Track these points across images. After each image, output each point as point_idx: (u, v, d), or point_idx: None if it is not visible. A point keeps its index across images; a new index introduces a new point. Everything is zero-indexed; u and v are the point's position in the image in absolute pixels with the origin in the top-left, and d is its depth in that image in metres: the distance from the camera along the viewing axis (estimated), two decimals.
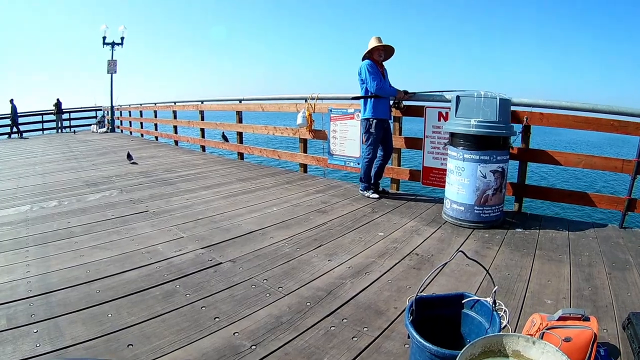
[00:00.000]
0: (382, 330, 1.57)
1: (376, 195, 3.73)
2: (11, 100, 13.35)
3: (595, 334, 1.26)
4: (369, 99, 3.56)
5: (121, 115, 14.17)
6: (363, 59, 3.59)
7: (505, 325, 1.22)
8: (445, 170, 3.20)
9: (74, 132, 14.72)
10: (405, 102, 3.93)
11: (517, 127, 3.12)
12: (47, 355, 1.37)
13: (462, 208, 2.89)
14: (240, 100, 6.29)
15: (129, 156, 6.19)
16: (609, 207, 3.17)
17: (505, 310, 1.30)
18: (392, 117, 3.89)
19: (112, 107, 14.09)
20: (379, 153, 3.72)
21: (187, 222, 2.93)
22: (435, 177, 3.74)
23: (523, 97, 3.32)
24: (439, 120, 3.63)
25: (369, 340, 1.50)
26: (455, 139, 2.93)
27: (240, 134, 6.57)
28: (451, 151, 2.97)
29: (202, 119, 7.77)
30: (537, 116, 3.27)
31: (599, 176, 11.85)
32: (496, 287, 1.20)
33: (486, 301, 1.21)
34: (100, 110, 15.98)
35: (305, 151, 5.20)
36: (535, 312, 1.43)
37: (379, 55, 3.57)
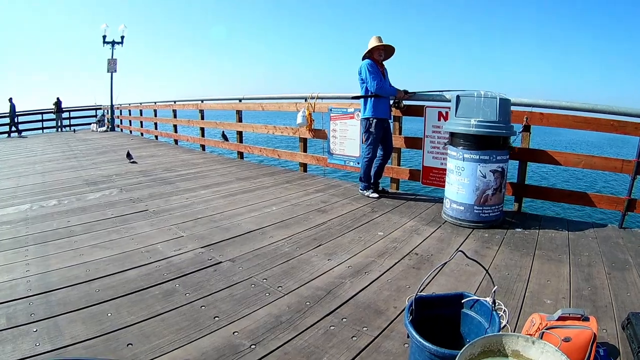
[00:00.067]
0: (381, 329, 1.57)
1: (376, 195, 3.73)
2: (10, 99, 13.34)
3: (594, 334, 1.26)
4: (369, 99, 3.56)
5: (121, 114, 14.16)
6: (363, 59, 3.59)
7: (505, 325, 1.22)
8: (445, 170, 3.20)
9: (74, 131, 14.72)
10: (405, 102, 3.93)
11: (517, 127, 3.12)
12: (46, 354, 1.37)
13: (462, 208, 2.89)
14: (240, 100, 6.29)
15: (129, 155, 6.19)
16: (608, 207, 3.17)
17: (504, 310, 1.30)
18: (392, 117, 3.89)
19: (112, 106, 14.09)
20: (379, 152, 3.72)
21: (187, 222, 2.93)
22: (435, 176, 3.74)
23: (523, 97, 3.32)
24: (439, 120, 3.63)
25: (368, 340, 1.50)
26: (455, 138, 2.93)
27: (240, 133, 6.56)
28: (451, 151, 2.97)
29: (202, 118, 7.77)
30: (537, 116, 3.27)
31: (600, 176, 11.85)
32: (496, 286, 1.20)
33: (486, 301, 1.21)
34: (100, 109, 15.98)
35: (305, 150, 5.20)
36: (535, 312, 1.43)
37: (379, 55, 3.57)
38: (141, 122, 12.10)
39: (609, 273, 2.13)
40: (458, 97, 2.93)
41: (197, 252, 2.34)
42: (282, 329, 1.55)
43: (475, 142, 2.79)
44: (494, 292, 1.16)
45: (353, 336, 1.52)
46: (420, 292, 1.22)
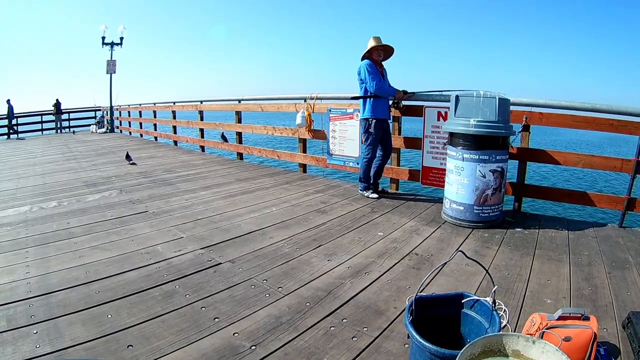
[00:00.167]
0: (381, 330, 1.57)
1: (375, 195, 3.73)
2: (8, 101, 13.33)
3: (595, 333, 1.26)
4: (368, 99, 3.56)
5: (120, 115, 14.16)
6: (362, 59, 3.59)
7: (505, 325, 1.22)
8: (444, 170, 3.20)
9: (73, 132, 14.72)
10: (404, 102, 3.93)
11: (517, 127, 3.12)
12: (46, 356, 1.37)
13: (462, 208, 2.89)
14: (239, 101, 6.29)
15: (128, 157, 6.18)
16: (608, 207, 3.17)
17: (505, 310, 1.31)
18: (391, 117, 3.89)
19: (111, 107, 14.09)
20: (378, 153, 3.72)
21: (187, 223, 2.93)
22: (435, 176, 3.74)
23: (522, 97, 3.32)
24: (438, 120, 3.63)
25: (368, 340, 1.50)
26: (454, 138, 2.93)
27: (239, 134, 6.56)
28: (450, 151, 2.97)
29: (202, 119, 7.77)
30: (536, 116, 3.27)
31: (600, 176, 11.85)
32: (496, 286, 1.20)
33: (486, 301, 1.21)
34: (100, 110, 15.97)
35: (304, 151, 5.20)
36: (535, 312, 1.43)
37: (378, 55, 3.57)
38: (140, 124, 12.10)
39: (609, 272, 2.13)
40: (457, 97, 2.93)
41: (197, 253, 2.33)
42: (283, 330, 1.55)
43: (475, 142, 2.79)
44: (494, 292, 1.16)
45: (353, 337, 1.52)
46: (421, 292, 1.22)
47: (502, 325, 1.16)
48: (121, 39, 13.61)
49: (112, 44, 13.47)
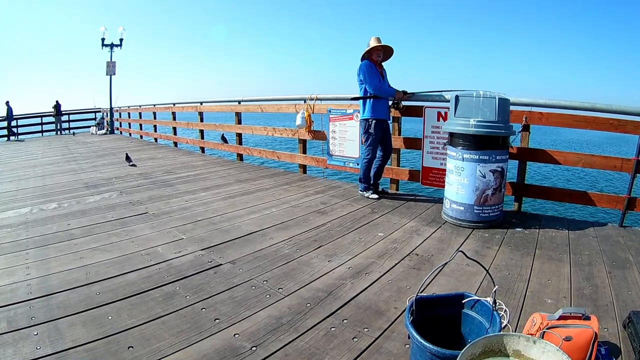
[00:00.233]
0: (382, 330, 1.57)
1: (376, 196, 3.73)
2: (7, 103, 13.32)
3: (595, 333, 1.26)
4: (368, 100, 3.56)
5: (120, 116, 14.17)
6: (362, 59, 3.59)
7: (506, 325, 1.22)
8: (444, 170, 3.20)
9: (73, 134, 14.72)
10: (404, 102, 3.93)
11: (517, 127, 3.12)
12: (47, 357, 1.37)
13: (462, 208, 2.89)
14: (239, 102, 6.29)
15: (128, 158, 6.19)
16: (608, 206, 3.17)
17: (505, 310, 1.31)
18: (391, 118, 3.89)
19: (111, 108, 14.10)
20: (379, 153, 3.72)
21: (187, 224, 2.93)
22: (435, 177, 3.74)
23: (522, 97, 3.32)
24: (438, 120, 3.63)
25: (369, 341, 1.49)
26: (454, 138, 2.93)
27: (239, 135, 6.56)
28: (450, 151, 2.97)
29: (201, 120, 7.78)
30: (536, 115, 3.27)
31: (601, 175, 11.85)
32: (496, 286, 1.20)
33: (486, 301, 1.21)
34: (100, 112, 15.99)
35: (304, 152, 5.20)
36: (536, 312, 1.43)
37: (377, 56, 3.57)
38: (140, 125, 12.10)
39: (609, 272, 2.13)
40: (457, 97, 2.93)
41: (197, 255, 2.33)
42: (283, 331, 1.55)
43: (475, 142, 2.79)
44: (495, 292, 1.16)
45: (354, 337, 1.52)
46: (421, 292, 1.22)
47: (503, 325, 1.16)
48: (121, 40, 13.64)
49: (111, 46, 13.49)
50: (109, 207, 3.44)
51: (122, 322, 1.59)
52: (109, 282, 1.96)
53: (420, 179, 3.85)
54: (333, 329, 1.58)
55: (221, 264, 2.20)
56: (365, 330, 1.57)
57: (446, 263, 1.35)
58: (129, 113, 13.26)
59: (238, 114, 6.34)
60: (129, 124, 13.34)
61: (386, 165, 3.91)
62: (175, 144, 9.26)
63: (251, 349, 1.43)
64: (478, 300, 1.25)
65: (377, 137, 3.59)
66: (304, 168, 5.21)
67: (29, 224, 2.97)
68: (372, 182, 3.80)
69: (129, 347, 1.43)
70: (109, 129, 14.04)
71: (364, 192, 3.78)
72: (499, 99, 2.77)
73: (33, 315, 1.64)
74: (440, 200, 3.46)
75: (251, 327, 1.57)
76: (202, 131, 7.88)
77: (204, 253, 2.36)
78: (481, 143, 2.77)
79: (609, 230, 2.85)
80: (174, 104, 8.97)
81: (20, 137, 14.04)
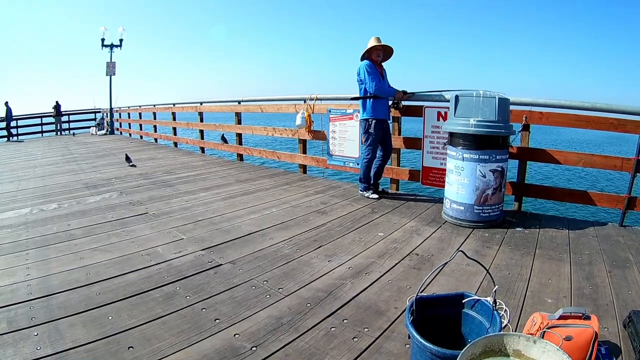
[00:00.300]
0: (382, 330, 1.57)
1: (376, 196, 3.73)
2: (6, 103, 13.31)
3: (596, 332, 1.26)
4: (367, 100, 3.56)
5: (120, 117, 14.18)
6: (362, 59, 3.59)
7: (506, 325, 1.22)
8: (444, 170, 3.20)
9: (73, 134, 14.73)
10: (404, 102, 3.93)
11: (517, 126, 3.12)
12: (47, 358, 1.37)
13: (462, 208, 2.89)
14: (239, 102, 6.29)
15: (128, 159, 6.19)
16: (608, 206, 3.17)
17: (505, 310, 1.30)
18: (391, 118, 3.89)
19: (111, 109, 14.10)
20: (379, 153, 3.72)
21: (187, 224, 2.93)
22: (435, 177, 3.74)
23: (522, 97, 3.32)
24: (438, 120, 3.63)
25: (369, 341, 1.49)
26: (454, 138, 2.93)
27: (239, 136, 6.56)
28: (450, 151, 2.97)
29: (201, 120, 7.78)
30: (536, 115, 3.27)
31: (602, 175, 11.84)
32: (496, 286, 1.20)
33: (486, 301, 1.21)
34: (100, 112, 15.99)
35: (304, 152, 5.20)
36: (536, 311, 1.43)
37: (377, 56, 3.57)
38: (140, 125, 12.11)
39: (609, 271, 2.12)
40: (457, 97, 2.93)
41: (198, 255, 2.33)
42: (283, 331, 1.55)
43: (475, 142, 2.79)
44: (495, 291, 1.16)
45: (354, 337, 1.52)
46: (421, 292, 1.22)
47: (503, 325, 1.16)
48: (121, 40, 13.64)
49: (111, 46, 13.49)
50: (109, 207, 3.44)
51: (123, 323, 1.59)
52: (109, 282, 1.96)
53: (421, 179, 3.85)
54: (333, 329, 1.58)
55: (221, 264, 2.20)
56: (366, 330, 1.57)
57: (446, 263, 1.35)
58: (128, 113, 13.27)
59: (238, 114, 6.34)
60: (129, 124, 13.35)
61: (386, 165, 3.91)
62: (175, 144, 9.26)
63: (251, 349, 1.43)
64: (478, 300, 1.25)
65: (377, 137, 3.59)
66: (304, 168, 5.21)
67: (29, 224, 2.97)
68: (372, 182, 3.79)
69: (129, 348, 1.43)
70: (109, 130, 14.05)
71: (364, 192, 3.78)
72: (498, 98, 2.77)
73: (33, 315, 1.64)
74: (440, 200, 3.46)
75: (251, 327, 1.57)
76: (202, 131, 7.89)
77: (204, 253, 2.36)
78: (481, 143, 2.77)
79: (609, 230, 2.85)
80: (174, 104, 8.97)
81: (20, 137, 14.03)
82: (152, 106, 10.73)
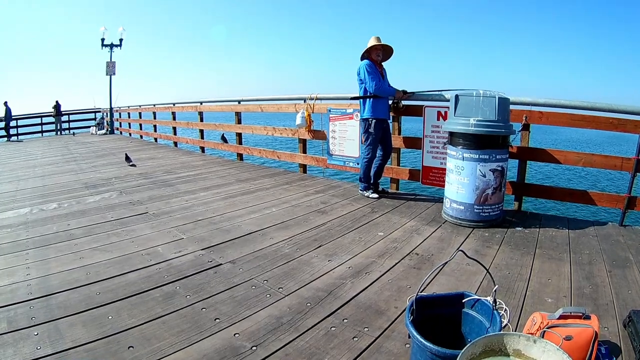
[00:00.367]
0: (382, 330, 1.57)
1: (376, 195, 3.73)
2: (5, 103, 13.30)
3: (596, 332, 1.26)
4: (367, 99, 3.56)
5: (120, 117, 14.17)
6: (361, 59, 3.59)
7: (506, 325, 1.22)
8: (444, 169, 3.20)
9: (73, 134, 14.72)
10: (404, 102, 3.93)
11: (517, 126, 3.12)
12: (47, 357, 1.37)
13: (462, 207, 2.89)
14: (239, 101, 6.29)
15: (127, 158, 6.18)
16: (609, 205, 3.17)
17: (505, 309, 1.30)
18: (391, 117, 3.89)
19: (111, 108, 14.10)
20: (378, 153, 3.72)
21: (187, 224, 2.93)
22: (435, 176, 3.74)
23: (522, 96, 3.32)
24: (438, 119, 3.63)
25: (369, 341, 1.49)
26: (454, 138, 2.93)
27: (239, 135, 6.56)
28: (450, 150, 2.97)
29: (201, 120, 7.77)
30: (536, 115, 3.27)
31: (603, 175, 11.84)
32: (496, 286, 1.20)
33: (486, 300, 1.21)
34: (100, 112, 15.99)
35: (304, 152, 5.20)
36: (536, 311, 1.43)
37: (377, 55, 3.57)
38: (140, 125, 12.10)
39: (609, 271, 2.12)
40: (457, 96, 2.93)
41: (198, 254, 2.33)
42: (283, 330, 1.55)
43: (475, 142, 2.79)
44: (495, 291, 1.16)
45: (354, 337, 1.52)
46: (421, 292, 1.22)
47: (503, 324, 1.16)
48: (120, 40, 13.63)
49: (111, 46, 13.48)
50: (108, 207, 3.44)
51: (123, 322, 1.59)
52: (109, 282, 1.96)
53: (420, 179, 3.85)
54: (333, 328, 1.58)
55: (221, 264, 2.20)
56: (366, 329, 1.57)
57: (446, 262, 1.34)
58: (128, 113, 13.26)
59: (238, 114, 6.33)
60: (129, 124, 13.34)
61: (386, 165, 3.91)
62: (175, 143, 9.26)
63: (251, 348, 1.43)
64: (478, 299, 1.25)
65: (377, 136, 3.59)
66: (304, 168, 5.20)
67: (29, 224, 2.97)
68: (372, 181, 3.79)
69: (129, 347, 1.43)
70: (109, 129, 14.04)
71: (364, 192, 3.78)
72: (498, 98, 2.77)
73: (33, 315, 1.64)
74: (440, 200, 3.46)
75: (251, 327, 1.57)
76: (202, 131, 7.88)
77: (204, 253, 2.36)
78: (481, 142, 2.77)
79: (609, 230, 2.85)
80: (173, 104, 8.97)
81: (20, 137, 14.02)
82: (152, 106, 10.73)
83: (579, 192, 3.32)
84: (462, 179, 2.87)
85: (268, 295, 1.84)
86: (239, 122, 6.41)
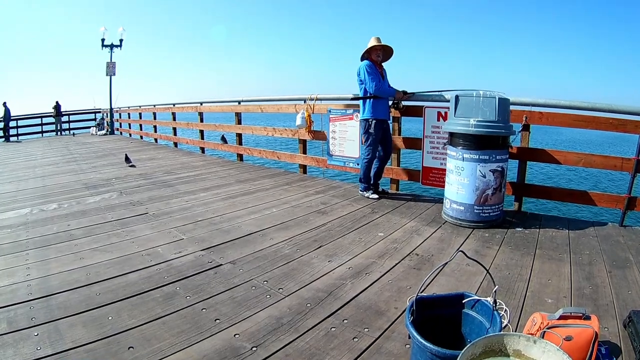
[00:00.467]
0: (382, 330, 1.57)
1: (376, 196, 3.73)
2: (4, 104, 13.30)
3: (596, 332, 1.26)
4: (368, 100, 3.56)
5: (120, 117, 14.18)
6: (361, 59, 3.60)
7: (506, 325, 1.22)
8: (444, 170, 3.20)
9: (73, 134, 14.73)
10: (404, 102, 3.93)
11: (517, 127, 3.12)
12: (47, 358, 1.37)
13: (462, 208, 2.89)
14: (239, 102, 6.29)
15: (127, 159, 6.18)
16: (608, 206, 3.17)
17: (505, 310, 1.30)
18: (391, 118, 3.89)
19: (111, 109, 14.10)
20: (379, 153, 3.72)
21: (187, 224, 2.93)
22: (435, 177, 3.74)
23: (522, 97, 3.32)
24: (438, 120, 3.63)
25: (369, 341, 1.49)
26: (454, 138, 2.93)
27: (239, 136, 6.56)
28: (450, 151, 2.97)
29: (201, 120, 7.78)
30: (536, 115, 3.27)
31: (603, 175, 11.83)
32: (496, 286, 1.20)
33: (487, 301, 1.21)
34: (100, 112, 16.00)
35: (304, 152, 5.20)
36: (536, 312, 1.43)
37: (377, 56, 3.57)
38: (140, 125, 12.11)
39: (609, 271, 2.12)
40: (457, 97, 2.93)
41: (198, 255, 2.33)
42: (283, 331, 1.55)
43: (475, 142, 2.79)
44: (495, 291, 1.16)
45: (354, 337, 1.52)
46: (421, 292, 1.22)
47: (503, 325, 1.16)
48: (121, 40, 13.63)
49: (111, 46, 13.49)
50: (109, 207, 3.44)
51: (123, 323, 1.59)
52: (109, 282, 1.96)
53: (421, 179, 3.85)
54: (333, 329, 1.57)
55: (221, 264, 2.20)
56: (366, 330, 1.57)
57: (446, 263, 1.35)
58: (129, 113, 13.27)
59: (238, 114, 6.34)
60: (129, 124, 13.35)
61: (386, 165, 3.91)
62: (175, 144, 9.26)
63: (251, 349, 1.43)
64: (478, 300, 1.25)
65: (377, 137, 3.59)
66: (304, 168, 5.21)
67: (29, 224, 2.97)
68: (372, 182, 3.80)
69: (129, 348, 1.43)
70: (109, 130, 14.04)
71: (364, 192, 3.78)
72: (498, 98, 2.77)
73: (33, 315, 1.64)
74: (440, 200, 3.46)
75: (251, 328, 1.57)
76: (202, 131, 7.88)
77: (204, 253, 2.36)
78: (481, 143, 2.77)
79: (609, 230, 2.85)
80: (174, 105, 8.97)
81: (19, 138, 14.02)
82: (152, 106, 10.73)
83: (578, 193, 3.32)
84: (462, 180, 2.87)
85: (268, 296, 1.84)
86: (239, 122, 6.41)
